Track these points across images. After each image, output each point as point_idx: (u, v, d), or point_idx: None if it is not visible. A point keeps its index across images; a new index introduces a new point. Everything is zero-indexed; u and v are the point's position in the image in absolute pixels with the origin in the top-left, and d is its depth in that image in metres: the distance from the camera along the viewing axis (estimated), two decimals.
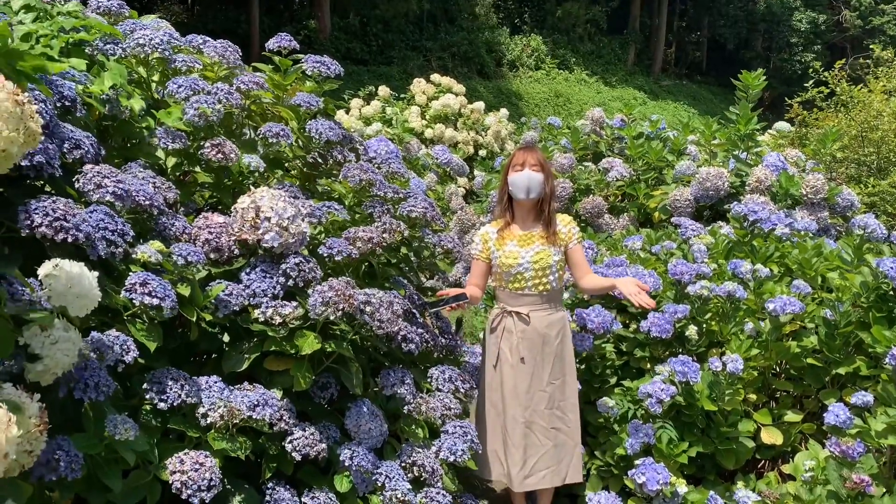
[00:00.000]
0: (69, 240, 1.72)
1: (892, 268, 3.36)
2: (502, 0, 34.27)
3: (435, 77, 11.54)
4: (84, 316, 1.62)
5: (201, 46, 3.05)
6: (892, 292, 3.47)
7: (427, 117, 10.61)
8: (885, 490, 2.82)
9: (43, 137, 1.80)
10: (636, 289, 3.13)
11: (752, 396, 3.52)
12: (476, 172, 8.73)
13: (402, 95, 11.93)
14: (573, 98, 31.23)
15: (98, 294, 1.59)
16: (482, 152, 10.67)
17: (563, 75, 33.50)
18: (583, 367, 3.67)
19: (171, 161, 2.68)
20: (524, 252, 3.21)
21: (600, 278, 3.34)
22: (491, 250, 3.30)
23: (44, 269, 1.54)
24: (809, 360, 3.57)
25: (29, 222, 1.69)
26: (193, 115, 2.58)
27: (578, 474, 3.25)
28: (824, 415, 3.04)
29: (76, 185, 1.95)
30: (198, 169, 2.75)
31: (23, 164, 1.72)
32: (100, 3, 3.02)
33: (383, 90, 11.47)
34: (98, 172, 1.96)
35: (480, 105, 11.17)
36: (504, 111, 11.85)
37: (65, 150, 1.96)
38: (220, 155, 2.58)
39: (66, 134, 1.98)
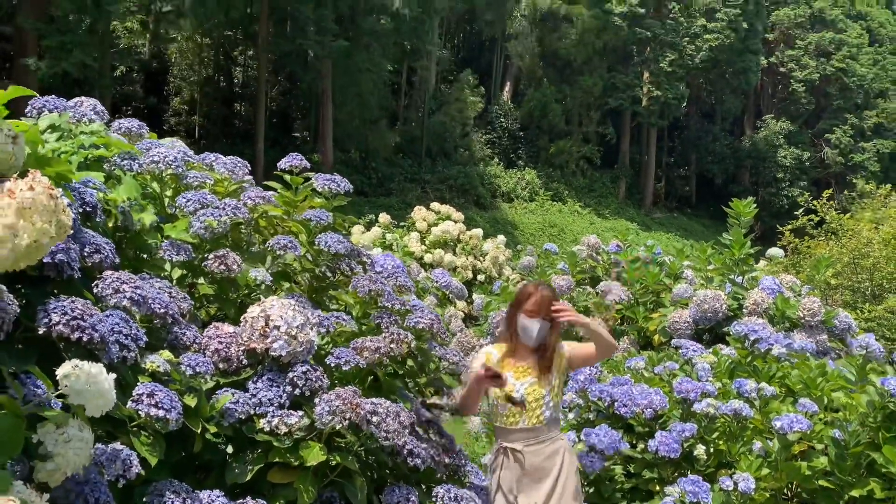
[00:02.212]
0: (84, 339, 1.74)
1: None
2: (497, 137, 35.80)
3: (434, 205, 11.87)
4: (98, 417, 1.61)
5: (213, 163, 3.18)
6: None
7: (427, 243, 10.82)
8: None
9: (69, 240, 1.86)
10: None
11: None
12: (475, 296, 8.82)
13: (402, 223, 12.21)
14: (567, 228, 31.98)
15: (114, 396, 1.59)
16: (480, 277, 10.81)
17: (557, 207, 34.48)
18: (591, 490, 3.57)
19: (177, 273, 2.73)
20: (519, 385, 3.19)
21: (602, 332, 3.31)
22: (486, 360, 3.29)
23: (63, 369, 1.55)
24: (821, 483, 3.48)
25: (47, 320, 1.72)
26: (199, 227, 2.65)
27: None
28: None
29: (95, 290, 1.99)
30: (202, 281, 2.79)
31: (45, 261, 1.77)
32: (121, 125, 3.18)
33: (384, 217, 11.76)
34: (117, 278, 2.00)
35: (479, 231, 11.43)
36: (501, 237, 12.12)
37: (85, 255, 2.01)
38: (222, 266, 2.62)
39: (87, 238, 2.04)
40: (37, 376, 1.59)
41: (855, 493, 3.39)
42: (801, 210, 9.82)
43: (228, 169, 3.09)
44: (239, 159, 3.17)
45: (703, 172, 39.67)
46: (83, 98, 3.12)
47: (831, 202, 9.58)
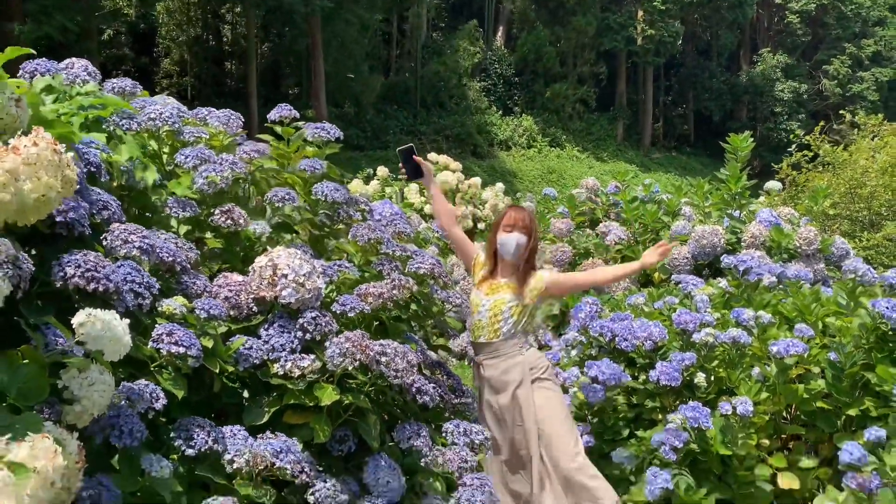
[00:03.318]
0: (100, 289, 1.80)
1: (887, 308, 3.43)
2: (492, 84, 35.41)
3: (432, 156, 11.83)
4: (116, 361, 1.69)
5: (206, 118, 3.21)
6: (891, 332, 3.52)
7: (426, 194, 10.84)
8: None
9: (78, 198, 1.91)
10: (657, 253, 3.49)
11: (765, 441, 3.53)
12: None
13: (400, 176, 12.20)
14: (566, 174, 31.90)
15: (129, 340, 1.66)
16: (481, 225, 10.85)
17: (556, 152, 34.32)
18: (595, 420, 3.69)
19: (183, 229, 2.78)
20: (486, 300, 3.43)
21: (612, 267, 3.56)
22: (476, 270, 3.61)
23: (79, 318, 1.61)
24: (819, 404, 3.59)
25: (62, 274, 1.78)
26: (203, 183, 2.69)
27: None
28: (838, 454, 3.06)
29: (104, 243, 2.05)
30: (209, 234, 2.84)
31: (57, 220, 1.83)
32: (114, 85, 3.19)
33: (382, 170, 11.74)
34: (125, 229, 2.06)
35: (477, 180, 11.42)
36: (500, 185, 12.11)
37: (93, 212, 2.07)
38: (229, 220, 2.67)
39: (94, 196, 2.09)
40: (55, 326, 1.66)
41: (851, 412, 3.50)
42: (794, 146, 9.82)
43: (223, 122, 3.11)
44: (232, 112, 3.19)
45: (700, 110, 39.34)
46: (74, 59, 3.12)
47: (824, 136, 9.55)
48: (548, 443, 3.24)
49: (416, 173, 3.61)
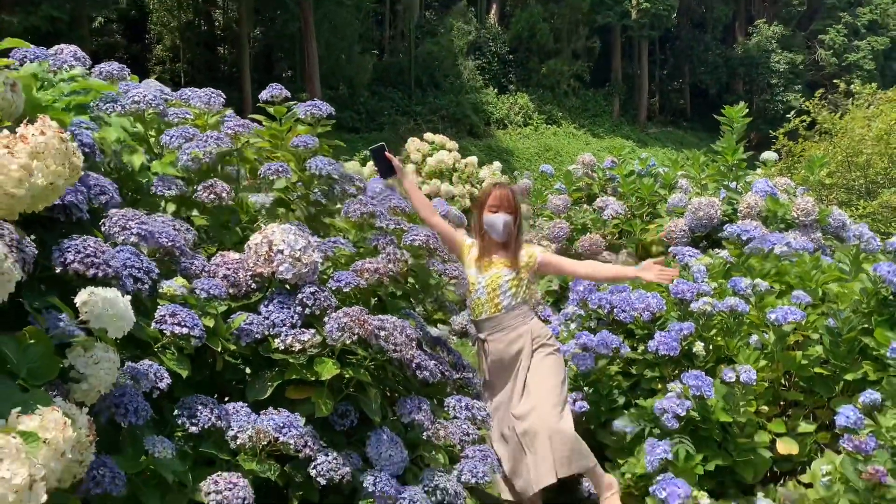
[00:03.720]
0: (100, 275, 1.81)
1: (888, 272, 3.45)
2: (487, 63, 35.20)
3: (428, 136, 11.81)
4: (120, 344, 1.71)
5: (189, 98, 3.21)
6: (891, 297, 3.55)
7: (423, 174, 10.83)
8: None
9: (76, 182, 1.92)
10: (657, 270, 3.43)
11: (765, 408, 3.57)
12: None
13: (397, 156, 12.17)
14: (563, 151, 31.79)
15: (132, 316, 1.68)
16: None
17: (552, 130, 34.19)
18: (591, 390, 3.73)
19: (171, 207, 2.78)
20: (482, 277, 3.48)
21: (608, 266, 3.56)
22: (465, 253, 3.58)
23: (81, 297, 1.63)
24: (817, 370, 3.62)
25: (62, 259, 1.79)
26: (186, 160, 2.69)
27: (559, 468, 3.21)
28: (835, 418, 3.09)
29: (103, 229, 2.06)
30: (195, 213, 2.85)
31: (55, 203, 1.84)
32: (102, 69, 3.19)
33: None
34: (123, 216, 2.07)
35: (474, 159, 11.41)
36: (497, 164, 12.11)
37: (91, 196, 2.07)
38: (212, 196, 2.67)
39: (91, 181, 2.09)
40: (59, 307, 1.68)
41: (849, 376, 3.53)
42: (792, 112, 9.82)
43: (204, 101, 3.10)
44: (213, 90, 3.18)
45: (696, 84, 39.15)
46: (63, 45, 3.11)
47: (823, 102, 9.54)
48: (536, 400, 3.30)
49: (388, 171, 3.61)
